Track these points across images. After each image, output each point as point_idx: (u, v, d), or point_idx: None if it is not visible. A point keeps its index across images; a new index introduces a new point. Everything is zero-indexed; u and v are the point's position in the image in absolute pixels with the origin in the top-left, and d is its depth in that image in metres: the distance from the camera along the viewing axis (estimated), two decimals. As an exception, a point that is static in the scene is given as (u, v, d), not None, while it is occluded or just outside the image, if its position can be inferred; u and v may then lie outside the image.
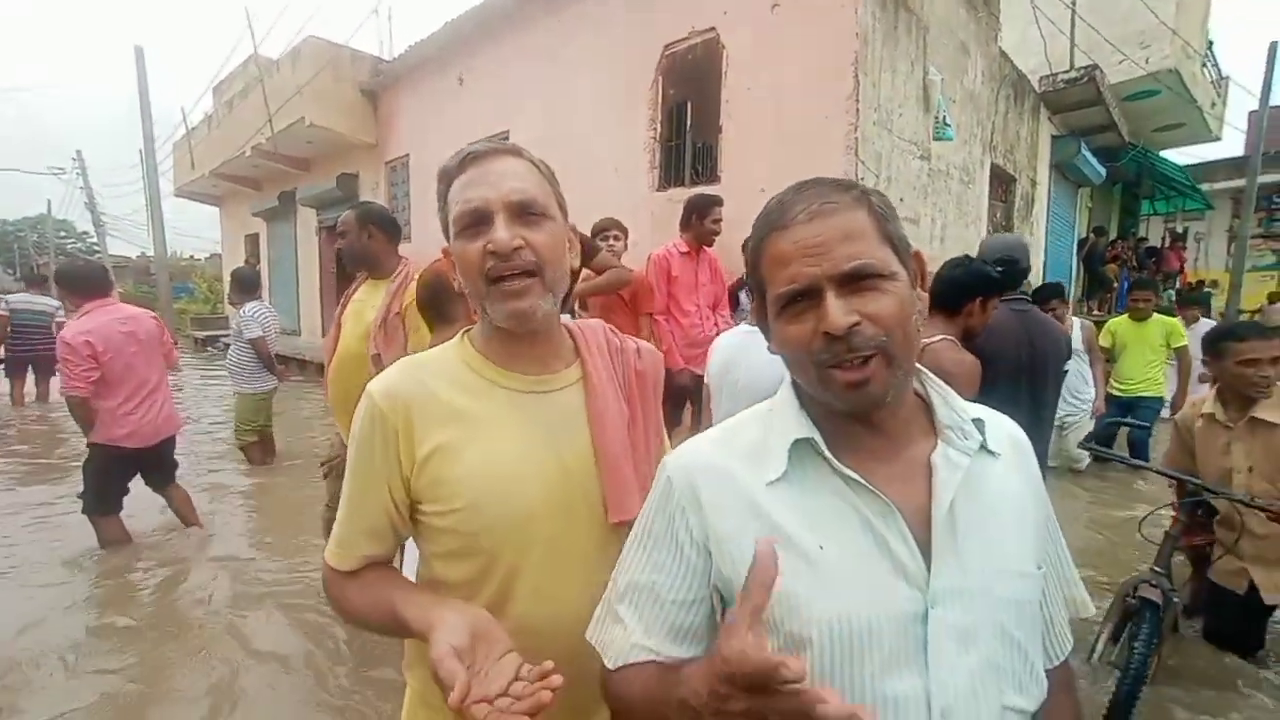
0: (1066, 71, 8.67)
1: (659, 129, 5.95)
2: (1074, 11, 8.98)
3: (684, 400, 3.40)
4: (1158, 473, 2.40)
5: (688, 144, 5.80)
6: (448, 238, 0.92)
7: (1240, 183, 13.18)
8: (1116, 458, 2.52)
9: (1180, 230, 15.53)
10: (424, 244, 8.94)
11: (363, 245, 2.36)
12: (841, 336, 0.65)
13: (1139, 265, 12.56)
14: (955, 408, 0.74)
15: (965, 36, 6.37)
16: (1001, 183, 7.85)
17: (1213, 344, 2.33)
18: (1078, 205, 11.45)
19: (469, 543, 0.88)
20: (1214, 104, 12.38)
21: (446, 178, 0.91)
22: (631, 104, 6.09)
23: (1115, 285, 11.68)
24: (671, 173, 5.94)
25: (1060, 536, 0.82)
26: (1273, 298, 11.49)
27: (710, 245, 3.57)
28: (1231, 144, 14.32)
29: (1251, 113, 11.28)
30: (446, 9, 8.15)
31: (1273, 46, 10.89)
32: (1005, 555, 0.70)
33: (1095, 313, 10.96)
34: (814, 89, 4.77)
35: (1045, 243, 9.68)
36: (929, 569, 0.66)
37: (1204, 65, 11.69)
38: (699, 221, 3.40)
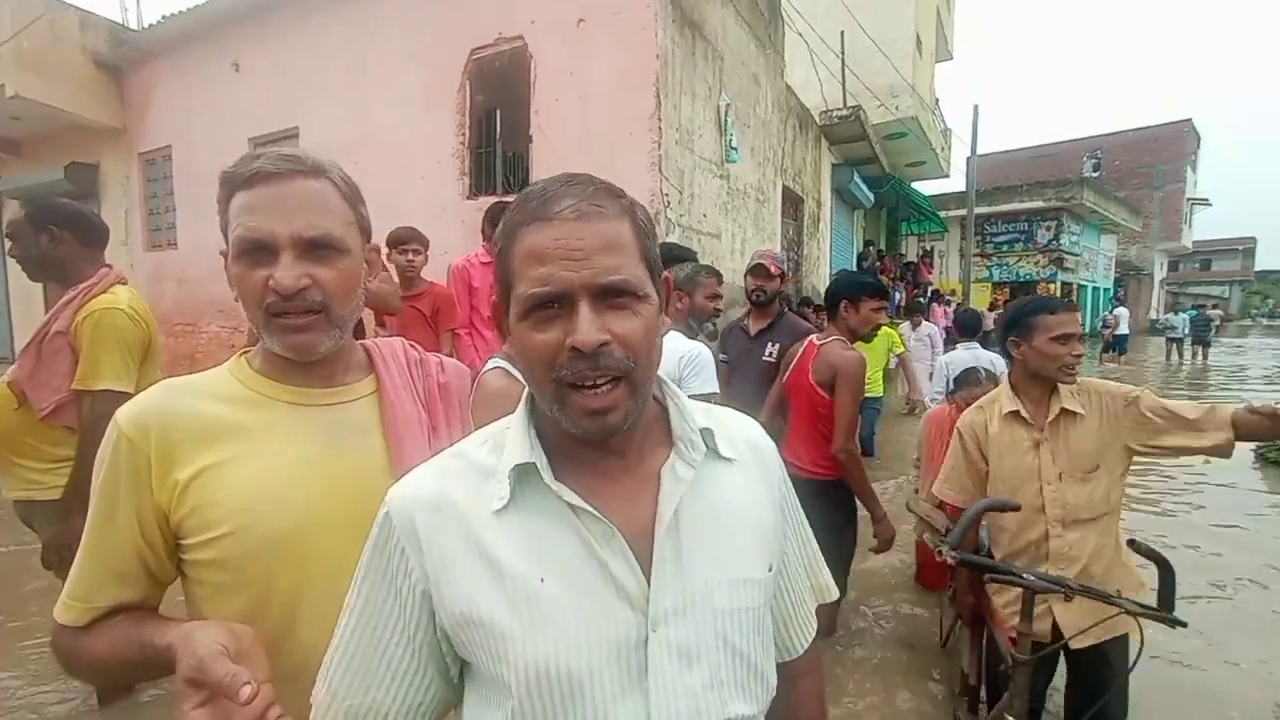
0: (839, 109, 10.05)
1: (468, 135, 5.71)
2: (844, 63, 10.49)
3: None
4: (989, 569, 1.66)
5: (498, 152, 5.64)
6: (226, 242, 0.84)
7: (963, 212, 16.37)
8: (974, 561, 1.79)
9: (929, 248, 18.77)
10: (192, 252, 7.64)
11: (42, 251, 1.85)
12: (589, 354, 0.60)
13: (901, 277, 15.00)
14: (686, 417, 0.72)
15: (756, 69, 7.03)
16: (792, 203, 8.81)
17: (1016, 322, 1.84)
18: (854, 225, 13.30)
19: (238, 573, 0.81)
20: (943, 148, 15.21)
21: (229, 185, 0.83)
22: (438, 108, 5.77)
23: (889, 294, 13.73)
24: (483, 181, 5.73)
25: (806, 531, 0.85)
26: (992, 305, 14.33)
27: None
28: (958, 181, 17.77)
29: (967, 159, 14.11)
30: (212, -19, 7.05)
31: (975, 108, 13.64)
32: (730, 563, 0.69)
33: (870, 318, 12.79)
34: (619, 105, 4.91)
35: (830, 255, 11.09)
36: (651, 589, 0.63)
37: (934, 116, 14.30)
38: (492, 228, 3.27)
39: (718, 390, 2.14)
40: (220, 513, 0.80)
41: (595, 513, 0.63)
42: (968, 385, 2.92)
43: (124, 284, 1.91)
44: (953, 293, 17.15)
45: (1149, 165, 33.47)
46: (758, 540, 0.73)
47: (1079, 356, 1.77)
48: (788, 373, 2.64)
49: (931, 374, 6.06)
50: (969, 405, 2.75)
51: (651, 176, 4.82)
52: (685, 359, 2.10)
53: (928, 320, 6.94)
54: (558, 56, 5.17)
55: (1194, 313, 17.26)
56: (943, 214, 16.94)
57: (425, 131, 5.83)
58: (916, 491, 3.04)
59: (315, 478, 0.84)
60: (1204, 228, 40.45)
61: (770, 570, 0.73)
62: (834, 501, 2.51)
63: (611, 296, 0.61)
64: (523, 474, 0.65)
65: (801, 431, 2.57)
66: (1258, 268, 46.64)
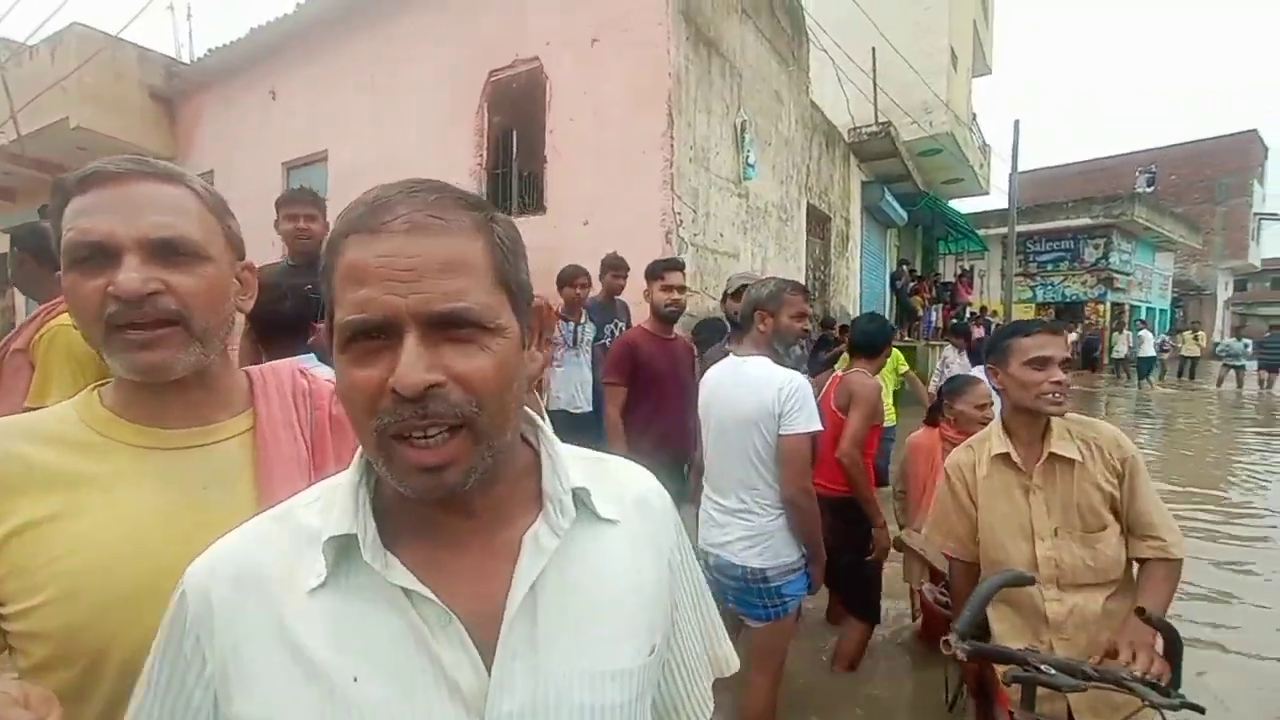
0: (869, 126, 9.85)
1: (485, 156, 5.76)
2: (875, 80, 10.30)
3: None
4: (980, 653, 1.37)
5: (514, 172, 5.67)
6: (56, 264, 0.75)
7: (1004, 230, 15.80)
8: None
9: (968, 267, 18.17)
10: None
11: (14, 271, 1.89)
12: (412, 399, 0.49)
13: (938, 298, 14.51)
14: (559, 472, 0.61)
15: (778, 86, 6.94)
16: (818, 221, 8.62)
17: (994, 347, 1.66)
18: (887, 244, 12.96)
19: (64, 645, 0.69)
20: (981, 165, 14.77)
21: (62, 192, 0.74)
22: (458, 130, 5.85)
23: (921, 315, 13.31)
24: (498, 201, 5.75)
25: (705, 598, 0.73)
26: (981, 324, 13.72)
27: None
28: (999, 198, 17.19)
29: (1009, 175, 13.63)
30: (254, 13, 7.39)
31: (1016, 123, 13.23)
32: (598, 651, 0.57)
33: (906, 339, 12.37)
34: (632, 124, 4.87)
35: (860, 276, 10.80)
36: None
37: (971, 132, 13.90)
38: None
39: (820, 428, 1.95)
40: (40, 578, 0.69)
41: (429, 594, 0.52)
42: (960, 395, 2.60)
43: None
44: (994, 313, 16.53)
45: (1210, 179, 31.72)
46: (638, 617, 0.61)
47: (1059, 384, 1.52)
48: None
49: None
50: (960, 424, 2.52)
51: (663, 195, 4.74)
52: (785, 391, 1.88)
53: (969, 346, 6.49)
54: (572, 76, 5.18)
55: (1239, 342, 15.53)
56: (982, 232, 16.41)
57: (445, 152, 5.91)
58: (902, 527, 2.79)
59: (165, 535, 0.73)
60: (1275, 244, 38.11)
61: (651, 653, 0.61)
62: (856, 518, 2.50)
63: (450, 327, 0.50)
64: (345, 546, 0.54)
65: (826, 456, 2.65)
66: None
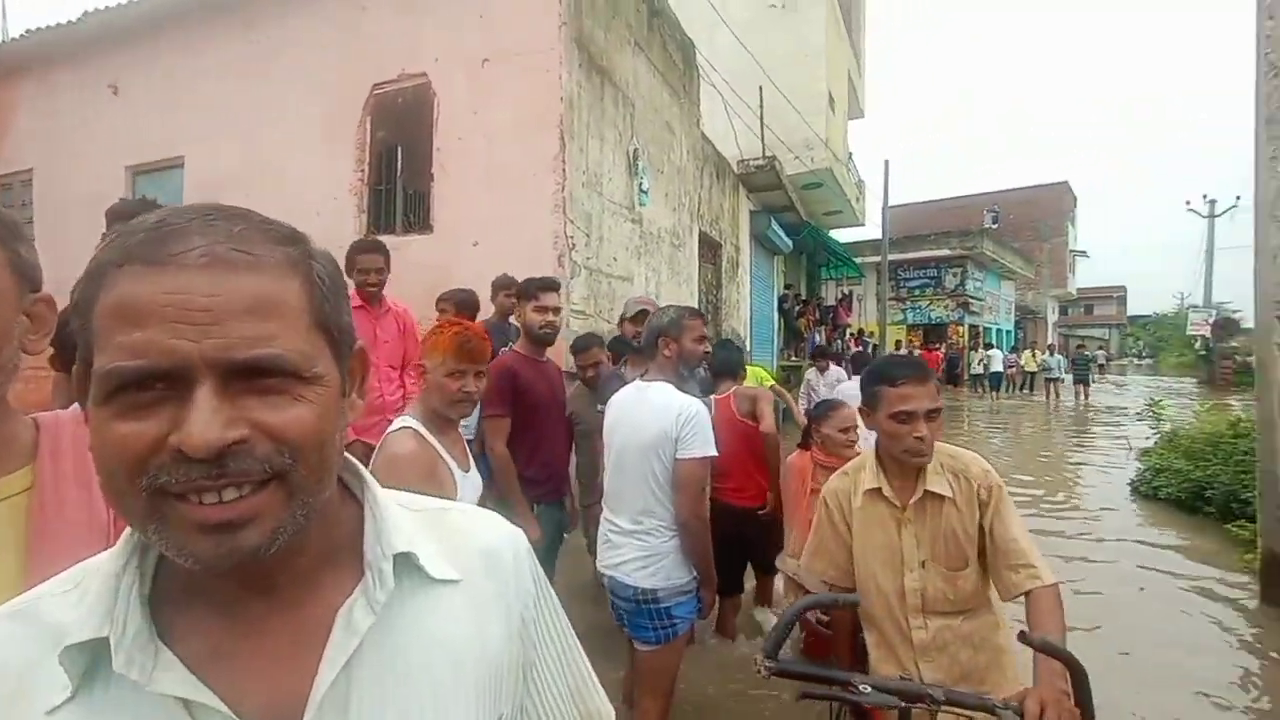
0: (756, 159, 10.41)
1: (367, 171, 5.45)
2: (761, 118, 10.94)
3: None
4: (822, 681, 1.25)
5: (399, 190, 5.40)
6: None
7: (878, 258, 17.34)
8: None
9: (847, 292, 19.64)
10: (50, 286, 6.86)
11: None
12: (202, 460, 0.41)
13: (821, 320, 15.53)
14: (382, 535, 0.53)
15: (670, 117, 7.16)
16: (710, 248, 8.94)
17: (866, 387, 1.62)
18: (774, 270, 13.69)
19: None
20: (857, 199, 16.08)
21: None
22: (337, 143, 5.49)
23: (806, 337, 14.14)
24: (382, 219, 5.45)
25: (570, 652, 0.66)
26: (896, 344, 15.05)
27: (368, 299, 3.10)
28: (873, 230, 18.86)
29: (881, 209, 15.04)
30: (91, -2, 6.55)
31: (886, 163, 14.63)
32: None
33: (793, 359, 13.08)
34: (523, 146, 4.81)
35: (750, 300, 11.31)
36: None
37: (847, 169, 15.14)
38: (347, 274, 2.96)
39: (715, 453, 2.01)
40: None
41: (210, 700, 0.43)
42: (824, 420, 2.61)
43: None
44: (871, 334, 17.96)
45: (1037, 219, 36.90)
46: (482, 688, 0.54)
47: (921, 439, 1.48)
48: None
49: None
50: (828, 448, 2.56)
51: (555, 218, 4.70)
52: (683, 416, 1.92)
53: (836, 365, 6.94)
54: (462, 95, 5.04)
55: (1054, 359, 18.15)
56: (859, 260, 17.81)
57: (322, 166, 5.52)
58: (780, 549, 2.79)
59: None
60: (1085, 276, 44.85)
61: None
62: (767, 525, 2.94)
63: (256, 377, 0.43)
64: (100, 649, 0.44)
65: (734, 469, 2.94)
66: (1129, 313, 51.65)
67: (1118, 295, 50.77)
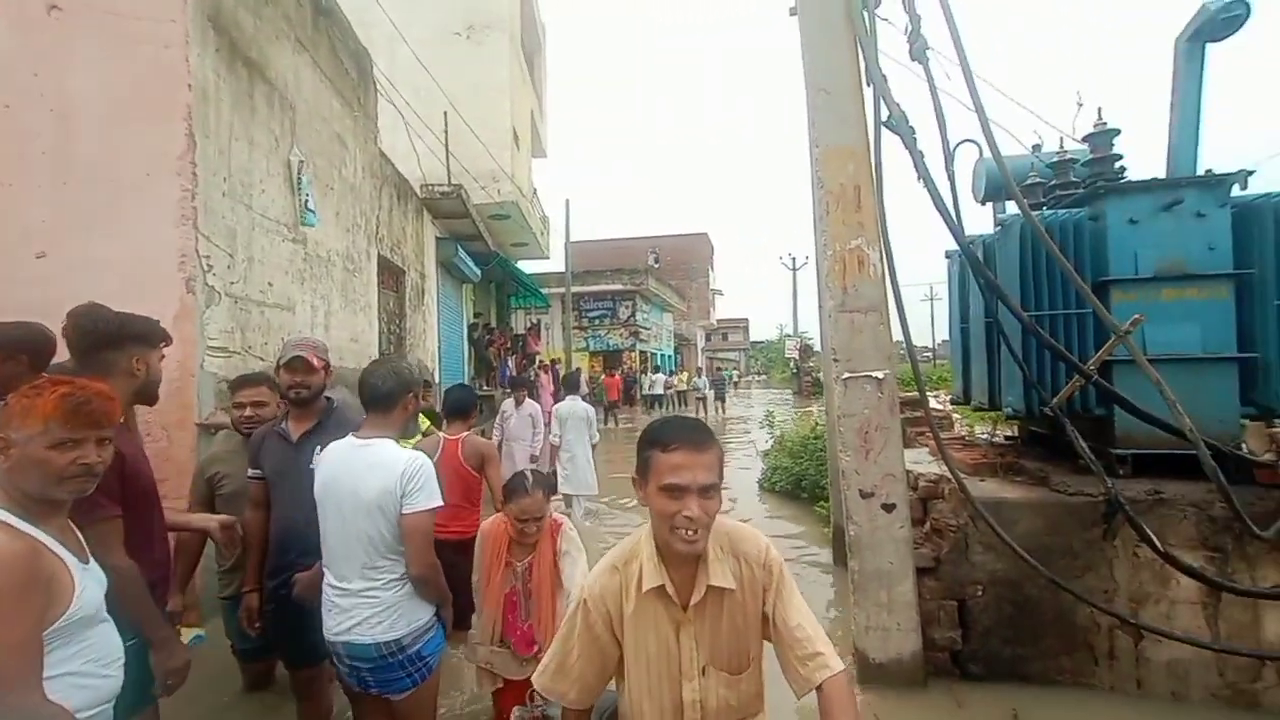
0: (442, 185, 10.10)
1: None
2: (446, 144, 10.67)
3: None
4: None
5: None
6: None
7: (563, 290, 18.54)
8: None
9: (536, 321, 20.49)
10: None
11: None
12: None
13: (512, 349, 15.83)
14: None
15: (341, 130, 6.44)
16: (391, 274, 8.29)
17: (639, 451, 1.34)
18: (463, 299, 13.45)
19: None
20: (542, 233, 16.97)
21: None
22: None
23: (496, 365, 14.20)
24: None
25: None
26: (592, 371, 16.35)
27: None
28: (557, 262, 20.16)
29: (564, 244, 16.15)
30: None
31: (567, 202, 15.87)
32: None
33: (484, 388, 12.98)
34: (128, 135, 3.73)
35: (439, 329, 10.86)
36: None
37: (532, 204, 15.90)
38: None
39: (442, 504, 1.99)
40: None
41: None
42: (508, 498, 2.27)
43: None
44: (556, 361, 19.04)
45: (686, 262, 44.71)
46: None
47: (691, 520, 1.21)
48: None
49: (534, 455, 6.23)
50: (517, 519, 2.24)
51: (182, 232, 3.74)
52: (409, 472, 1.91)
53: (531, 398, 6.95)
54: (13, 47, 3.67)
55: (701, 379, 23.45)
56: (545, 290, 18.78)
57: None
58: (465, 640, 2.44)
59: None
60: (722, 309, 55.93)
61: None
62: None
63: None
64: None
65: (451, 508, 2.76)
66: (751, 339, 65.96)
67: (743, 325, 64.26)
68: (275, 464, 2.31)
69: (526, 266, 17.90)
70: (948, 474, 3.19)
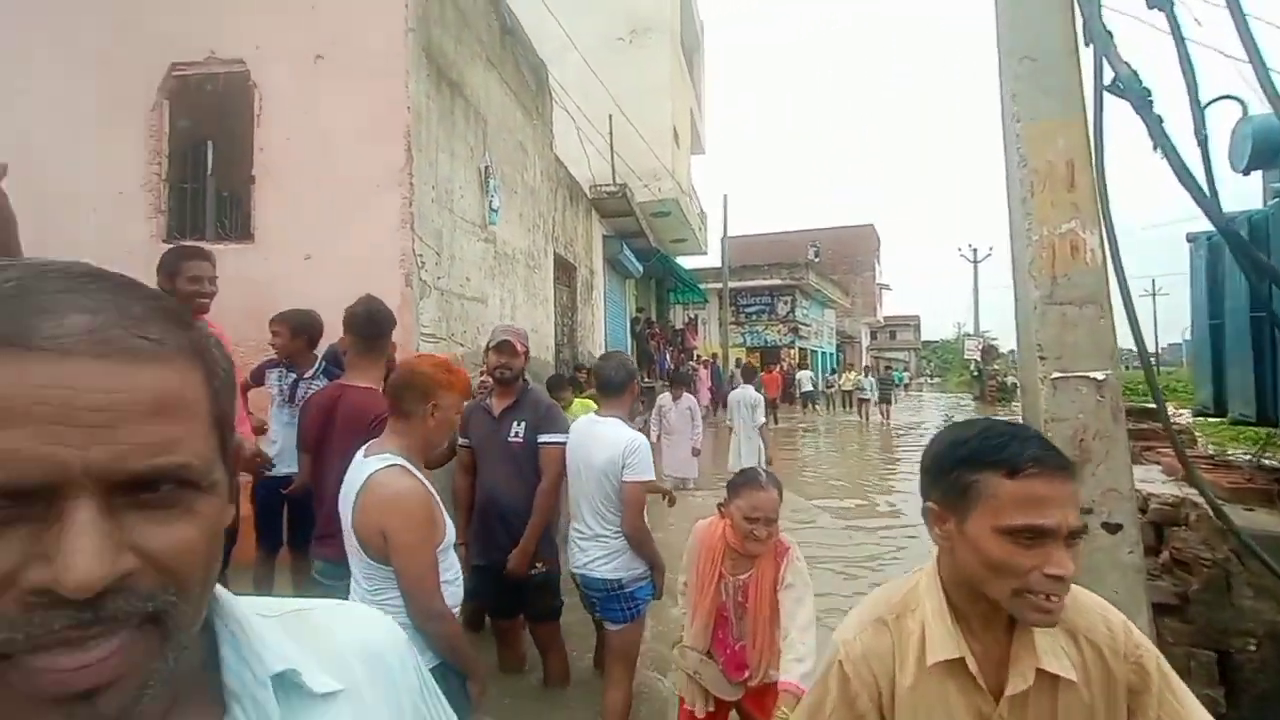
0: (608, 185, 10.64)
1: (165, 165, 4.65)
2: (611, 145, 11.22)
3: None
4: None
5: (207, 190, 4.68)
6: None
7: (720, 285, 18.54)
8: None
9: (693, 316, 20.77)
10: None
11: None
12: (82, 602, 0.32)
13: (671, 343, 16.24)
14: (251, 659, 0.43)
15: (523, 137, 7.05)
16: (565, 270, 8.92)
17: (948, 470, 0.96)
18: (626, 294, 14.05)
19: None
20: (700, 229, 17.11)
21: None
22: (121, 126, 4.62)
23: (657, 358, 14.65)
24: (188, 221, 4.68)
25: None
26: (737, 364, 16.20)
27: (202, 311, 2.66)
28: (714, 258, 20.29)
29: (721, 239, 16.19)
30: None
31: (725, 197, 15.80)
32: None
33: (645, 380, 13.46)
34: (363, 154, 4.41)
35: (605, 321, 11.46)
36: None
37: (691, 200, 16.10)
38: (169, 282, 2.51)
39: (654, 478, 2.48)
40: None
41: None
42: (735, 493, 1.96)
43: None
44: (714, 355, 19.12)
45: (850, 255, 42.19)
46: None
47: (1060, 582, 0.86)
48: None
49: (696, 449, 6.32)
50: (735, 526, 1.93)
51: (403, 234, 4.36)
52: (630, 448, 2.32)
53: (689, 392, 7.05)
54: (289, 91, 4.52)
55: (866, 379, 20.18)
56: (703, 286, 18.93)
57: (100, 154, 4.61)
58: (679, 640, 2.17)
59: None
60: (889, 306, 52.10)
61: None
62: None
63: (144, 490, 0.35)
64: None
65: None
66: (923, 338, 60.65)
67: (914, 323, 59.33)
68: (480, 434, 2.66)
69: (685, 262, 18.19)
70: (1194, 497, 2.67)
